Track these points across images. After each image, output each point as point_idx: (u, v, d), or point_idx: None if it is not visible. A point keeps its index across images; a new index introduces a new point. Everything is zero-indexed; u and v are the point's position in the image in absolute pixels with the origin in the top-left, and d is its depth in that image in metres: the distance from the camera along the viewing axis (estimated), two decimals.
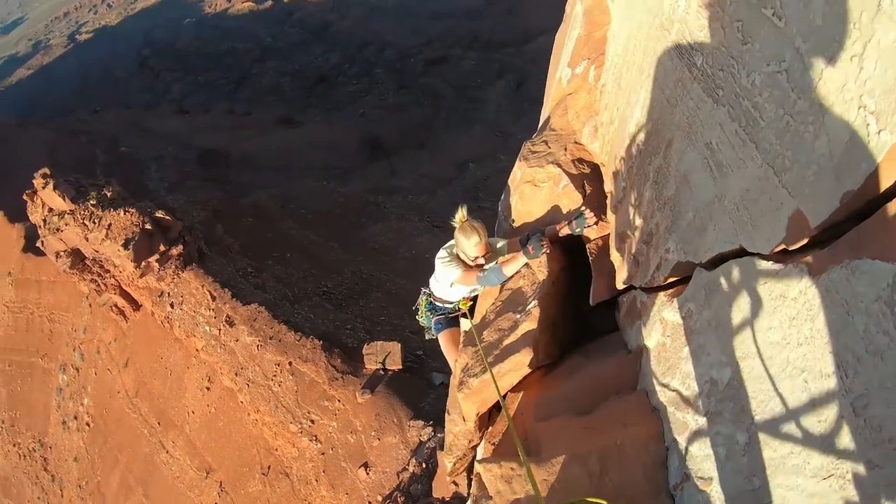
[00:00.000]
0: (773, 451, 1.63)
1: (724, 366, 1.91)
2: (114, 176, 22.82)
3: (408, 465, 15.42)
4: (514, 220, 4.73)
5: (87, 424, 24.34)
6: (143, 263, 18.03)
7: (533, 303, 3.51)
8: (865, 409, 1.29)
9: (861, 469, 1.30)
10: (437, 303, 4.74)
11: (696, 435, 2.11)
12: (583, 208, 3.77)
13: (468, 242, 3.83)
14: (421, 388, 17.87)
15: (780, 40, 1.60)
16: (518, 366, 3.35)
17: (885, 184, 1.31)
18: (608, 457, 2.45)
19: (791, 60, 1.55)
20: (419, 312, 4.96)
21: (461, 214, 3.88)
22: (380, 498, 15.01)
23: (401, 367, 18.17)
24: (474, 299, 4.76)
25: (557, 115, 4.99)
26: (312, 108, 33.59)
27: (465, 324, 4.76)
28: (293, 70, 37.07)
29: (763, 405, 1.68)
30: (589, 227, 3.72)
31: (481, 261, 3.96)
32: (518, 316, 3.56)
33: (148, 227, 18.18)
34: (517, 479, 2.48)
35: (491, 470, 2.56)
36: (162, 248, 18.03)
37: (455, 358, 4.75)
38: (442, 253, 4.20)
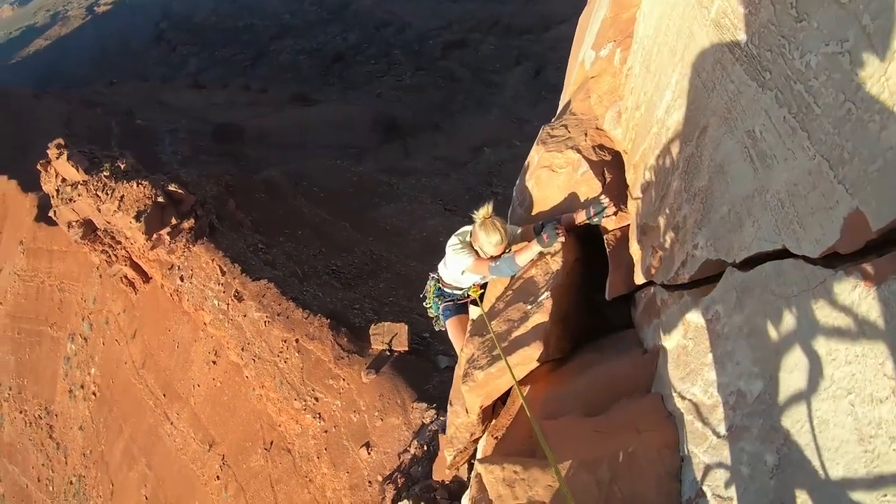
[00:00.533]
0: (807, 476, 1.47)
1: (756, 377, 1.74)
2: (128, 148, 22.80)
3: (409, 446, 15.43)
4: (528, 206, 4.54)
5: (94, 394, 24.65)
6: (155, 236, 18.06)
7: (545, 294, 3.35)
8: None
9: None
10: (445, 289, 4.60)
11: (716, 449, 1.95)
12: (602, 197, 3.58)
13: (488, 240, 3.68)
14: (426, 371, 17.84)
15: (842, 17, 1.40)
16: (527, 359, 3.20)
17: None
18: (619, 464, 2.29)
19: (855, 40, 1.35)
20: (426, 299, 4.84)
21: (486, 210, 3.71)
22: (380, 478, 15.06)
23: (407, 348, 18.14)
24: (484, 286, 4.61)
25: (579, 99, 4.78)
26: (329, 86, 33.32)
27: (474, 311, 4.61)
28: (311, 48, 36.73)
29: (799, 426, 1.51)
30: (608, 216, 3.53)
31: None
32: (529, 307, 3.40)
33: (160, 199, 18.15)
34: (520, 484, 2.34)
35: (493, 472, 2.42)
36: (173, 221, 18.03)
37: (462, 345, 4.62)
38: (454, 240, 4.07)
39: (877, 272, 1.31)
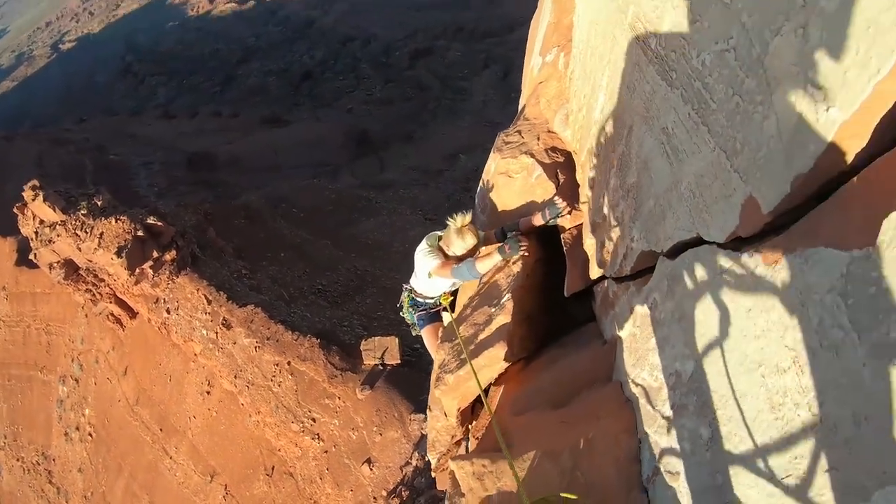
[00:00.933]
0: (734, 447, 1.57)
1: (688, 358, 1.85)
2: (103, 184, 22.66)
3: (411, 458, 15.44)
4: (489, 212, 4.65)
5: (90, 435, 24.33)
6: (137, 270, 17.96)
7: (507, 296, 3.45)
8: (821, 407, 1.23)
9: (818, 470, 1.23)
10: (418, 298, 4.70)
11: (663, 428, 2.05)
12: (556, 198, 3.70)
13: (461, 243, 3.77)
14: (420, 382, 17.85)
15: (726, 16, 1.52)
16: (493, 360, 3.30)
17: (837, 166, 1.24)
18: (580, 451, 2.39)
19: (738, 37, 1.47)
20: (402, 308, 4.93)
21: (465, 219, 3.80)
22: (384, 493, 15.04)
23: (399, 361, 18.15)
24: (455, 293, 4.72)
25: (531, 104, 4.91)
26: (299, 106, 33.33)
27: (447, 318, 4.71)
28: (278, 69, 36.77)
29: (724, 400, 1.62)
30: (562, 215, 3.65)
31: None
32: (493, 310, 3.50)
33: (140, 233, 18.07)
34: (488, 476, 2.43)
35: (463, 467, 2.51)
36: (155, 254, 17.95)
37: (437, 351, 4.73)
38: (423, 245, 4.17)
39: (774, 252, 1.42)
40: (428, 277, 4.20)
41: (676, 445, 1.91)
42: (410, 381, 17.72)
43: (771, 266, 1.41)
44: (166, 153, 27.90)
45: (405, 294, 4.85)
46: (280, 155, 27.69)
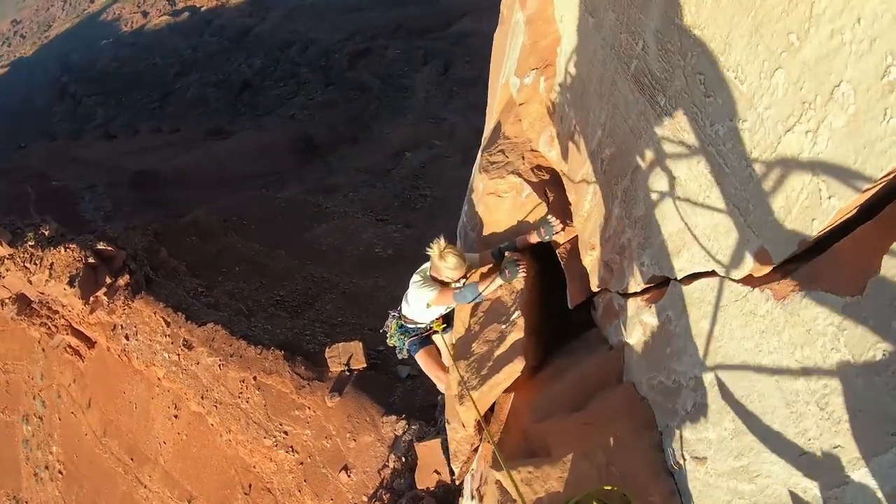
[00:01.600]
0: (756, 434, 1.99)
1: (705, 366, 2.27)
2: (49, 212, 21.65)
3: (387, 461, 15.67)
4: (480, 230, 4.96)
5: (60, 472, 23.24)
6: (92, 299, 17.38)
7: (517, 313, 3.82)
8: (827, 405, 1.65)
9: (827, 449, 1.66)
10: (408, 325, 4.85)
11: (686, 421, 2.47)
12: (549, 217, 4.06)
13: (448, 266, 3.99)
14: (388, 384, 18.09)
15: (742, 102, 1.86)
16: (512, 374, 3.65)
17: (832, 233, 1.65)
18: (611, 448, 2.79)
19: (753, 122, 1.79)
20: (389, 335, 5.05)
21: (440, 244, 4.00)
22: (365, 498, 15.23)
23: (365, 365, 18.29)
24: (446, 318, 4.88)
25: (509, 122, 5.24)
26: (241, 116, 32.60)
27: (437, 339, 4.98)
28: (217, 80, 35.75)
29: (745, 398, 2.03)
30: (557, 233, 4.03)
31: (459, 283, 4.17)
32: (503, 326, 3.86)
33: (91, 260, 17.47)
34: (536, 481, 2.79)
35: (510, 476, 2.86)
36: (108, 280, 17.39)
37: (437, 374, 4.99)
38: (416, 277, 4.38)
39: (782, 290, 1.83)
40: (426, 308, 4.40)
41: (702, 436, 2.33)
42: (378, 384, 17.91)
43: (781, 300, 1.83)
44: (110, 174, 26.78)
45: (393, 321, 4.97)
46: (226, 167, 27.11)
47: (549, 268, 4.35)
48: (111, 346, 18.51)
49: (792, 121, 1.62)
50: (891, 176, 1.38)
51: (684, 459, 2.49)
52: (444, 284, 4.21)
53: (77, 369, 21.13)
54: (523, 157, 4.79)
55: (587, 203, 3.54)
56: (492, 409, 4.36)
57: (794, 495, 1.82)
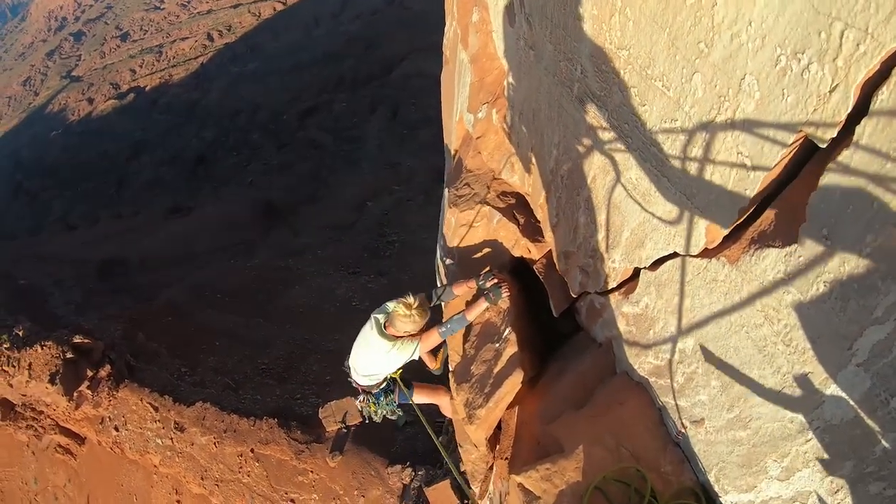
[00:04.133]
0: (741, 385, 2.26)
1: (686, 337, 2.54)
2: (19, 312, 21.10)
3: None
4: (459, 261, 5.21)
5: None
6: (75, 394, 16.90)
7: (507, 330, 4.06)
8: (791, 340, 1.93)
9: (800, 378, 1.93)
10: (378, 390, 4.72)
11: (680, 392, 2.73)
12: (500, 285, 4.16)
13: (422, 320, 4.03)
14: (387, 435, 17.84)
15: (671, 105, 2.21)
16: (514, 386, 3.86)
17: (762, 198, 1.97)
18: (618, 431, 3.02)
19: (683, 120, 2.15)
20: (374, 415, 4.97)
21: (410, 300, 4.02)
22: None
23: (361, 419, 18.08)
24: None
25: (470, 156, 5.60)
26: (199, 190, 32.59)
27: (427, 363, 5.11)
28: (170, 157, 35.75)
29: (724, 354, 2.31)
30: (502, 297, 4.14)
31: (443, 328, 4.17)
32: (497, 345, 4.08)
33: (69, 355, 17.07)
34: (556, 475, 2.99)
35: (531, 476, 3.05)
36: (89, 373, 16.97)
37: (439, 400, 5.09)
38: (383, 346, 4.16)
39: (733, 254, 2.14)
40: (405, 361, 4.29)
41: (696, 400, 2.58)
42: (377, 436, 17.66)
43: (734, 263, 2.13)
44: (75, 267, 26.26)
45: (366, 399, 4.85)
46: (191, 244, 26.91)
47: (530, 282, 4.63)
48: (102, 439, 17.89)
49: (713, 113, 1.96)
50: (800, 141, 1.70)
51: (685, 428, 2.74)
52: (413, 335, 4.13)
53: (70, 468, 20.27)
54: (488, 187, 5.12)
55: (554, 217, 3.85)
56: (499, 427, 4.55)
57: (783, 428, 2.08)
